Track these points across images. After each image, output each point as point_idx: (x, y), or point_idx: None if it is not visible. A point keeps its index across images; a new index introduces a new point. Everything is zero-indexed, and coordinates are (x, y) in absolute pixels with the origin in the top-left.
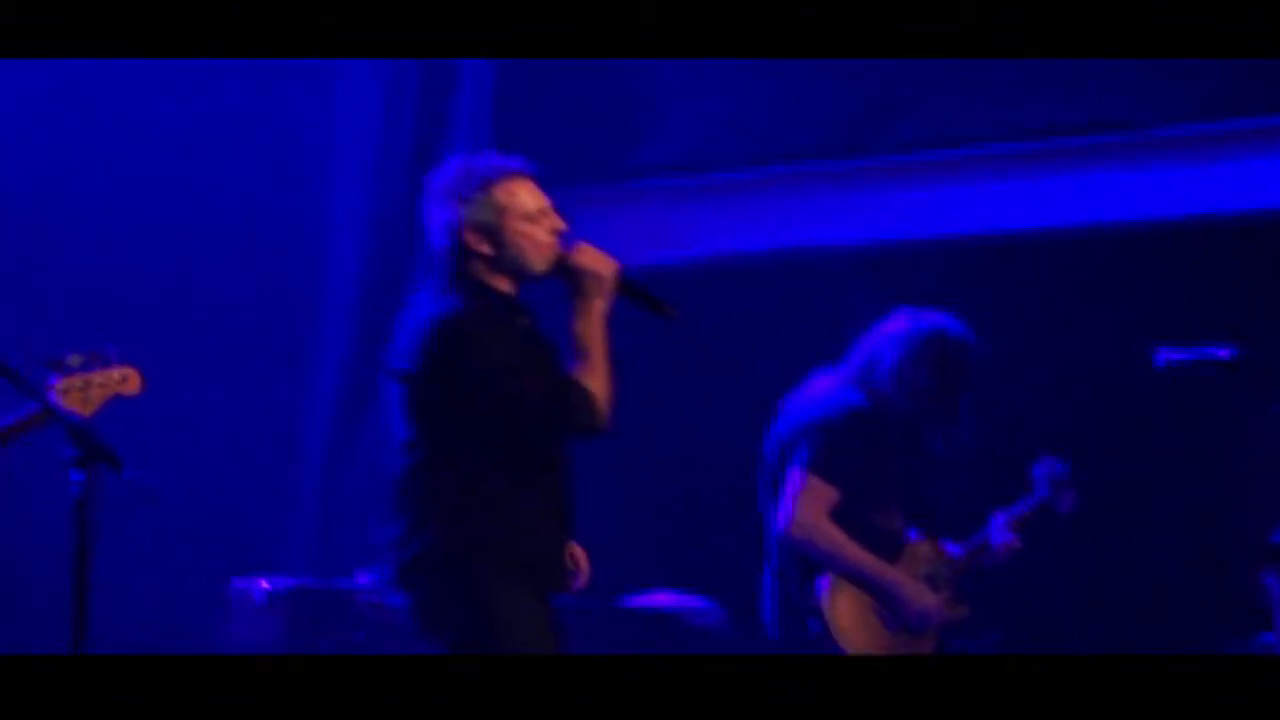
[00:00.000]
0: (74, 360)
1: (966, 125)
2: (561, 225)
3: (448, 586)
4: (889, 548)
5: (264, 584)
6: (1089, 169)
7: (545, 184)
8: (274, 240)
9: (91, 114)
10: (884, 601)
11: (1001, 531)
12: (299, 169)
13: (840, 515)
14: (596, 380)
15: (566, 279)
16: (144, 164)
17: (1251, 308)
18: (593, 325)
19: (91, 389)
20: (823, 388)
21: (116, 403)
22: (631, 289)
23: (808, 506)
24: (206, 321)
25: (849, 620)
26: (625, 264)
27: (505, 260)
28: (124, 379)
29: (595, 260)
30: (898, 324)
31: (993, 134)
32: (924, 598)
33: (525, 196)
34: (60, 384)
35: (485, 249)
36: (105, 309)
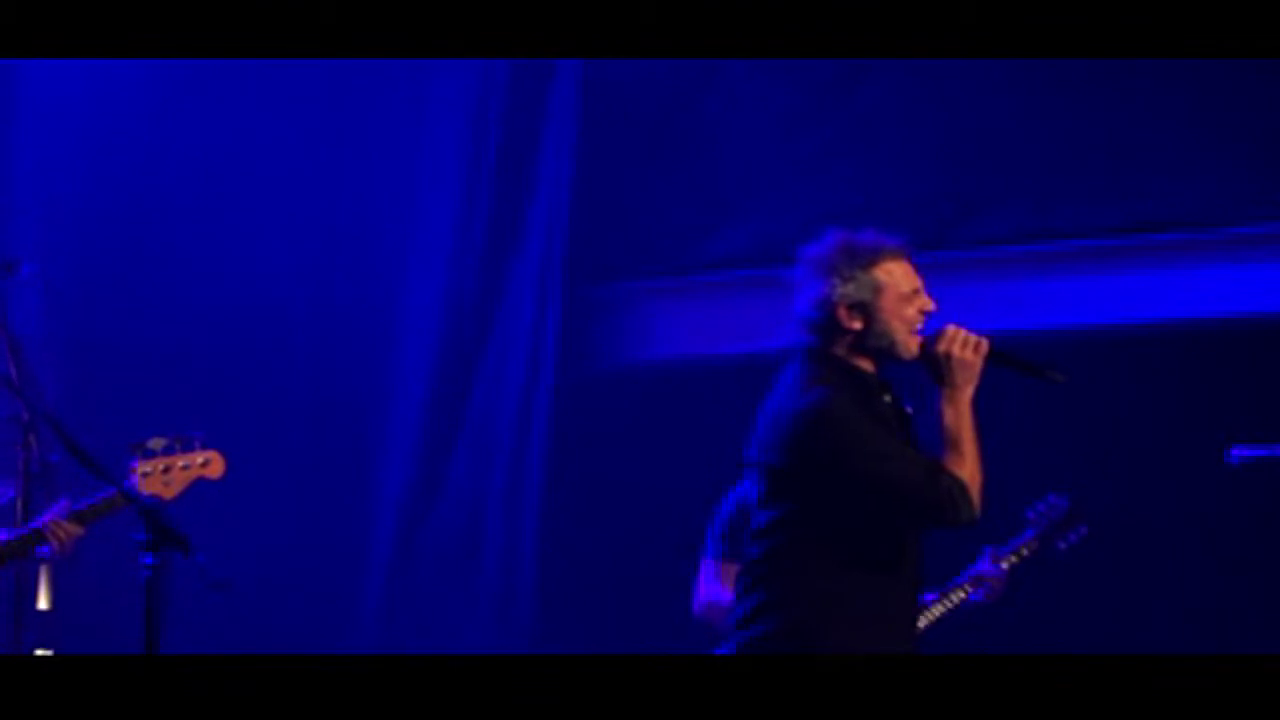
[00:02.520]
0: (156, 444)
1: (1045, 220)
2: (931, 306)
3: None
4: None
5: None
6: (1169, 265)
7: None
8: (348, 320)
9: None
10: None
11: (988, 564)
12: (377, 254)
13: None
14: (967, 469)
15: (931, 364)
16: (221, 252)
17: None
18: (962, 413)
19: (174, 472)
20: None
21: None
22: (1008, 360)
23: None
24: (283, 398)
25: None
26: (994, 335)
27: (875, 339)
28: (206, 462)
29: (963, 345)
30: None
31: (1067, 231)
32: None
33: (902, 276)
34: (142, 466)
35: (857, 325)
36: (174, 383)
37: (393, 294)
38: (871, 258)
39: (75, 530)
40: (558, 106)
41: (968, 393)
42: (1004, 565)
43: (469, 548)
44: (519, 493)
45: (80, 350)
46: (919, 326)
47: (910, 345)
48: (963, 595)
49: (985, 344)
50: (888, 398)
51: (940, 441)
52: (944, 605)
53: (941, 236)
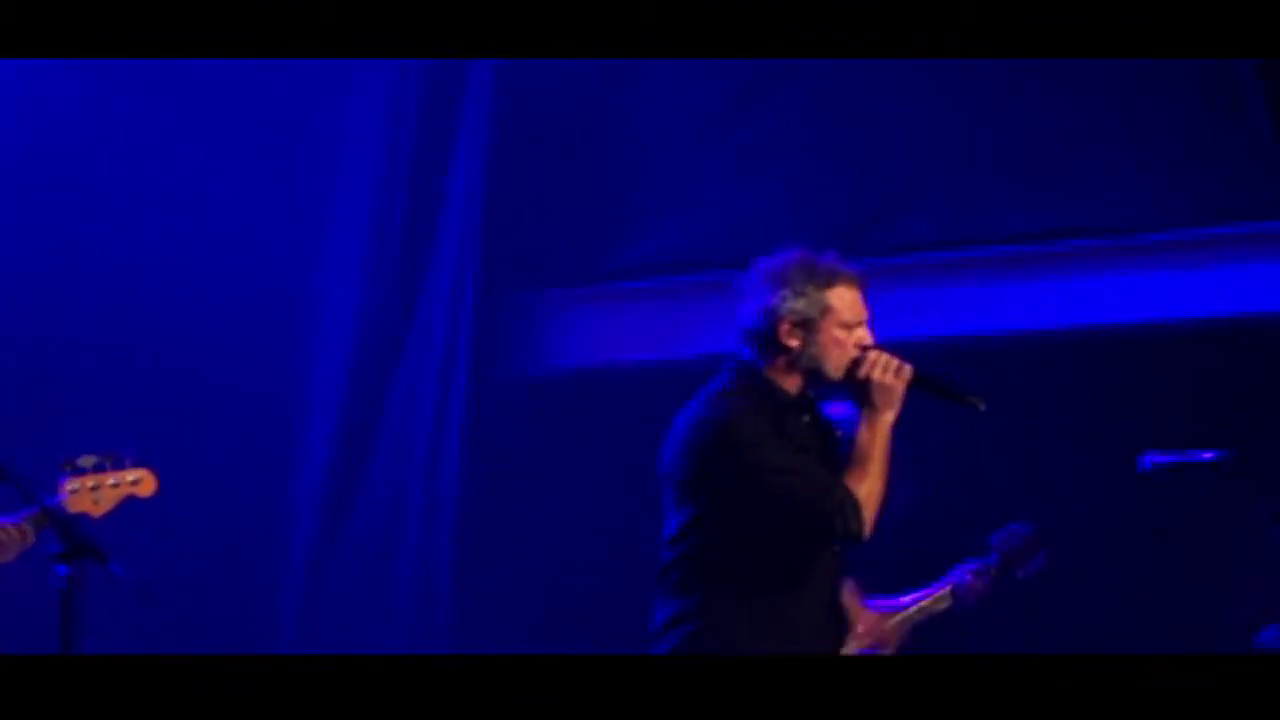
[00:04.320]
0: (86, 461)
1: (964, 226)
2: (868, 341)
3: None
4: None
5: None
6: (1079, 272)
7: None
8: (262, 330)
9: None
10: None
11: (962, 576)
12: (290, 256)
13: None
14: (867, 487)
15: (853, 387)
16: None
17: (1239, 411)
18: (876, 436)
19: (103, 490)
20: None
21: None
22: (930, 385)
23: None
24: (198, 405)
25: None
26: (918, 364)
27: (808, 360)
28: (137, 481)
29: (885, 372)
30: None
31: (987, 237)
32: None
33: (850, 304)
34: (70, 484)
35: (794, 343)
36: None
37: (308, 298)
38: (827, 279)
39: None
40: (472, 109)
41: (887, 417)
42: (976, 583)
43: (386, 552)
44: (435, 497)
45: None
46: (851, 358)
47: (837, 371)
48: (945, 604)
49: (908, 369)
50: (807, 417)
51: (850, 457)
52: (923, 610)
53: (854, 243)
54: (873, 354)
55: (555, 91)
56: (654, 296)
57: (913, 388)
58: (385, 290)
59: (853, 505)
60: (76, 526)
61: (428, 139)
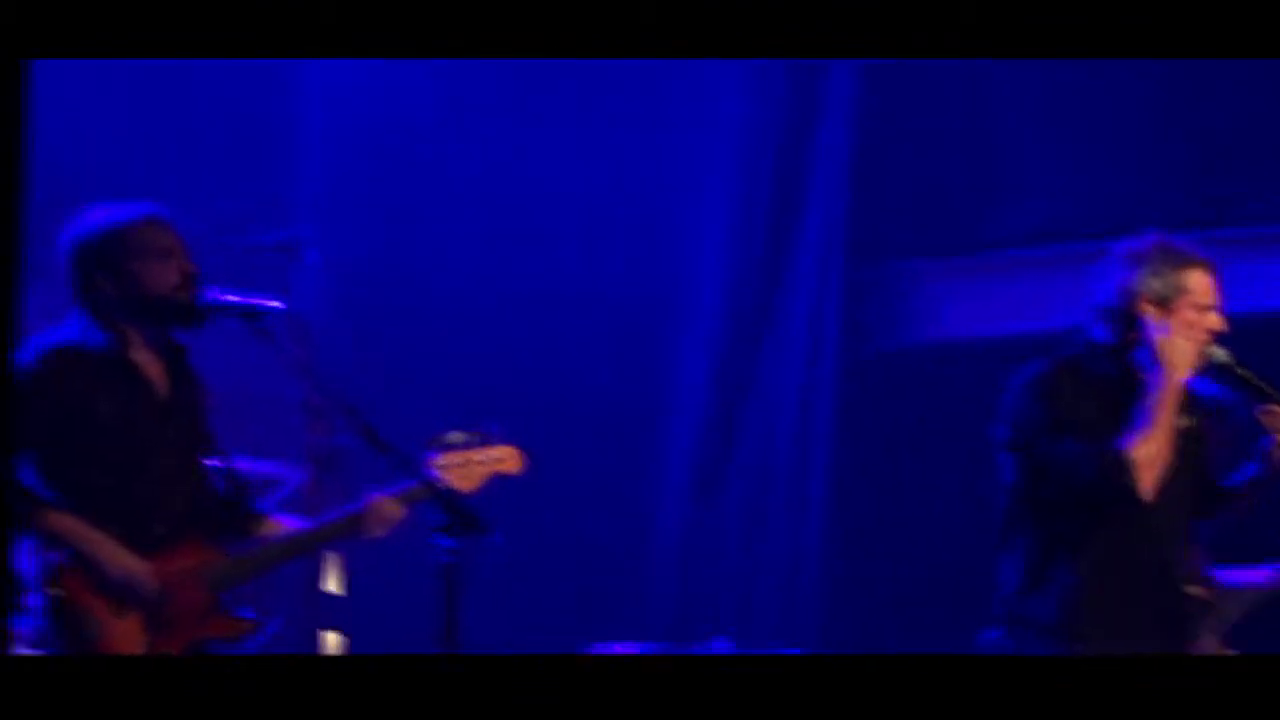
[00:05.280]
0: (455, 438)
1: None
2: (1220, 326)
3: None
4: None
5: (619, 650)
6: None
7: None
8: (630, 308)
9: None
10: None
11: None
12: (659, 234)
13: None
14: (1146, 449)
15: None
16: (507, 240)
17: None
18: (1165, 396)
19: (471, 466)
20: None
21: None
22: (1233, 372)
23: None
24: (568, 385)
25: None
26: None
27: (1155, 343)
28: (505, 458)
29: (1192, 329)
30: None
31: None
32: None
33: (1206, 288)
34: (441, 460)
35: (1155, 319)
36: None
37: (675, 281)
38: (1183, 261)
39: (398, 512)
40: (835, 95)
41: (1177, 377)
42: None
43: (755, 534)
44: (804, 482)
45: (367, 338)
46: (1205, 341)
47: (1193, 353)
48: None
49: (1211, 343)
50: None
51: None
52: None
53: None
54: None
55: (916, 82)
56: (1019, 269)
57: (1219, 370)
58: (752, 269)
59: (1118, 466)
60: (458, 498)
61: (791, 124)
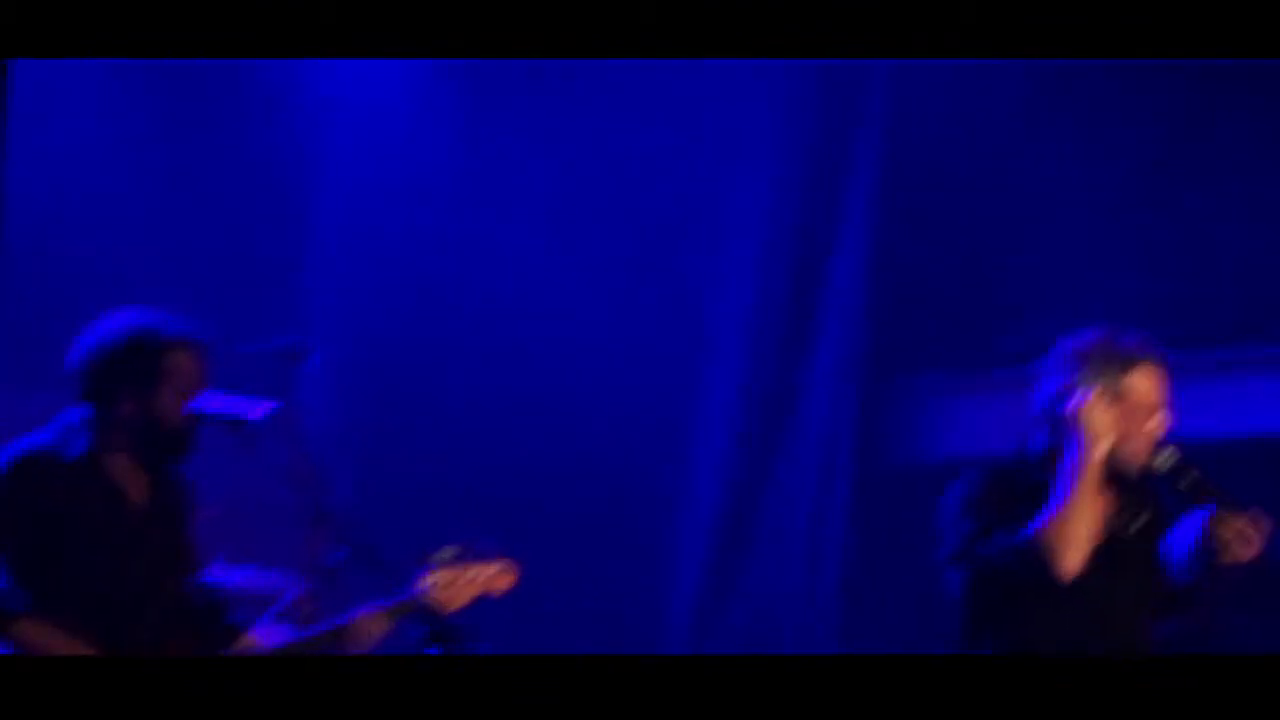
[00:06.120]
0: (446, 554)
1: None
2: (1168, 424)
3: None
4: None
5: None
6: None
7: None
8: (644, 412)
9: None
10: None
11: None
12: (670, 338)
13: None
14: (1061, 526)
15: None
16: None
17: None
18: (1078, 469)
19: (459, 585)
20: None
21: None
22: (1179, 473)
23: None
24: (577, 490)
25: None
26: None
27: (1073, 413)
28: (495, 575)
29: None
30: None
31: None
32: None
33: (1150, 388)
34: (430, 578)
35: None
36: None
37: (690, 385)
38: (1127, 362)
39: (383, 628)
40: (862, 171)
41: (1093, 452)
42: None
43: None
44: (817, 588)
45: (375, 443)
46: (1149, 447)
47: (1140, 457)
48: None
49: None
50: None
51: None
52: None
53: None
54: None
55: (945, 155)
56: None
57: (1169, 476)
58: (766, 378)
59: (1036, 547)
60: (443, 618)
61: (812, 207)
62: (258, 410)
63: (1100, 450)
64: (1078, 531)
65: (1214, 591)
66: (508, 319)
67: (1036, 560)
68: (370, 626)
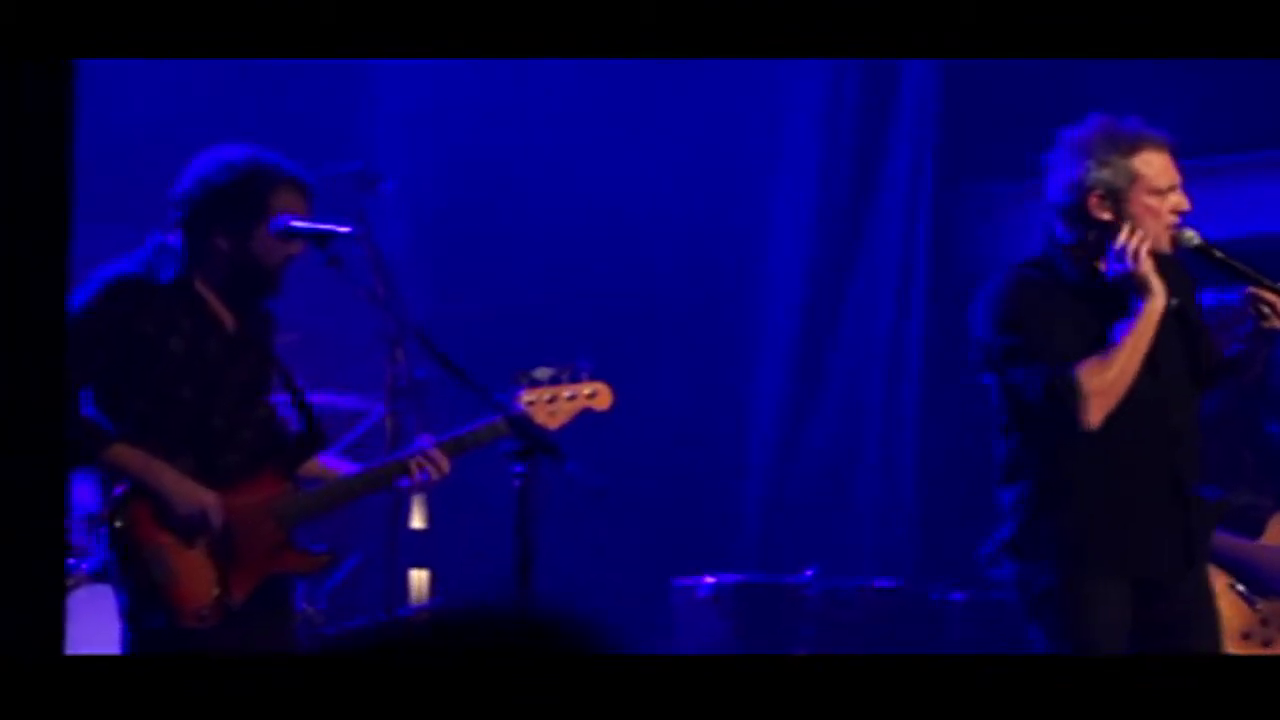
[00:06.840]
0: (542, 373)
1: None
2: (1186, 205)
3: (1030, 573)
4: None
5: (708, 580)
6: None
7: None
8: (717, 242)
9: (534, 117)
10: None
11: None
12: (743, 170)
13: None
14: (1102, 377)
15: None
16: (587, 173)
17: None
18: (1136, 324)
19: (559, 403)
20: None
21: None
22: (1213, 256)
23: None
24: (654, 320)
25: None
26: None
27: (1128, 271)
28: (593, 394)
29: (1129, 258)
30: None
31: None
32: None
33: (1160, 169)
34: (527, 395)
35: (1105, 216)
36: (552, 307)
37: (763, 207)
38: (1131, 145)
39: (444, 462)
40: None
41: (1151, 305)
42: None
43: (846, 467)
44: (897, 408)
45: (446, 270)
46: (1171, 225)
47: (1162, 240)
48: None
49: (1146, 256)
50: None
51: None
52: None
53: None
54: (1121, 237)
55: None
56: None
57: (1194, 254)
58: (840, 193)
59: (1066, 391)
60: (534, 426)
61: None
62: (341, 228)
63: (1158, 308)
64: (1118, 385)
65: (1261, 355)
66: (582, 150)
67: (1063, 400)
68: (436, 457)
